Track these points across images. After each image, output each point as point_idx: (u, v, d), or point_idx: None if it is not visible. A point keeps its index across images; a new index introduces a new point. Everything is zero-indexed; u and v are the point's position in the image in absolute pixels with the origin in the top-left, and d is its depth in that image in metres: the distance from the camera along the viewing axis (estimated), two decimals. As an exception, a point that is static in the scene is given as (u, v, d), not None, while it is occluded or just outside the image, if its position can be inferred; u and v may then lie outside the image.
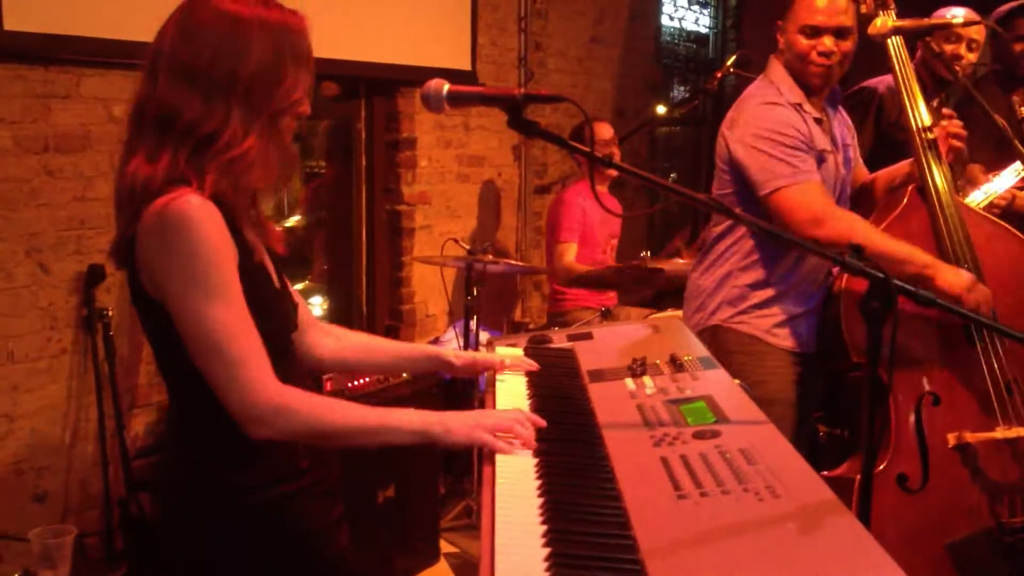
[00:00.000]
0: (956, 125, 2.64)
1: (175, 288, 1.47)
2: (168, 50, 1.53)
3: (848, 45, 2.57)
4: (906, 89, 2.67)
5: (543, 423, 1.60)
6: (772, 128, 2.53)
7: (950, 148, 2.63)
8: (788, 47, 2.62)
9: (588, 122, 1.64)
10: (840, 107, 2.79)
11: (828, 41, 2.54)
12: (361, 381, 3.41)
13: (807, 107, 2.59)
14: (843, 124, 2.78)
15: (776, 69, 2.65)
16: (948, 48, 3.25)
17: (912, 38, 2.84)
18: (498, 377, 1.93)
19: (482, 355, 1.97)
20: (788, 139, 2.51)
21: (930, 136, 2.60)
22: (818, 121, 2.61)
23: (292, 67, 1.55)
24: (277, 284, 1.69)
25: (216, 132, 1.50)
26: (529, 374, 1.96)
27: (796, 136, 2.52)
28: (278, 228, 1.73)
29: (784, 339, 2.63)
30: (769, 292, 2.63)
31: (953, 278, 2.41)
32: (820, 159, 2.57)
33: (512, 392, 1.86)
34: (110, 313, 3.25)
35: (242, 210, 1.57)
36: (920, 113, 2.64)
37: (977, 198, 3.13)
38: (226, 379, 1.46)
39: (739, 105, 2.68)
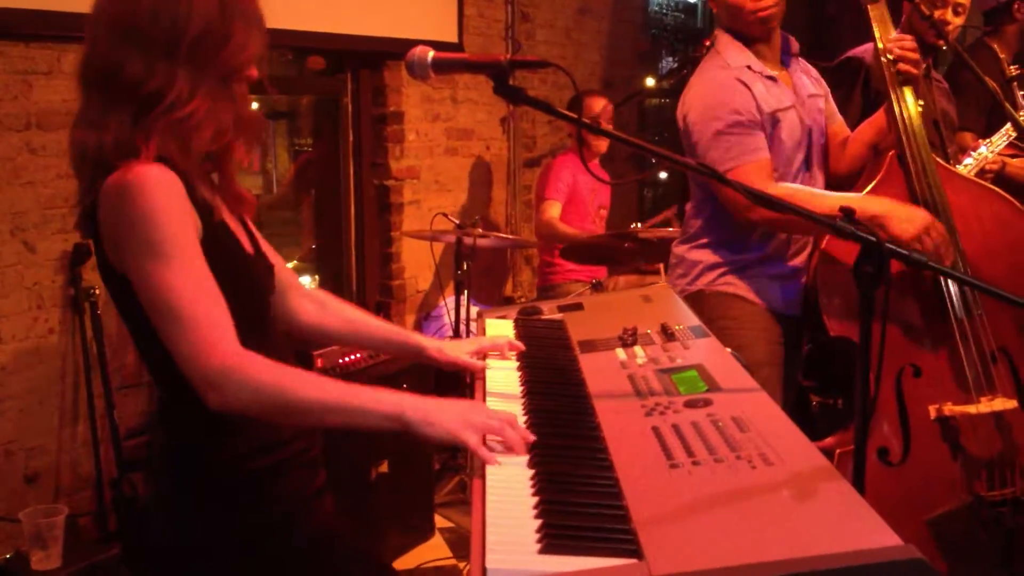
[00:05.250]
0: (907, 44, 2.54)
1: (131, 255, 1.43)
2: (108, 7, 1.50)
3: None
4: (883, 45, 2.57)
5: (532, 438, 1.43)
6: (707, 109, 2.51)
7: (900, 69, 2.53)
8: (721, 6, 2.60)
9: (576, 87, 1.62)
10: (799, 57, 2.74)
11: None
12: (353, 357, 3.36)
13: (757, 66, 2.55)
14: (806, 74, 2.75)
15: (721, 37, 2.62)
16: (935, 13, 3.19)
17: (899, 1, 2.79)
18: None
19: (467, 359, 1.85)
20: (721, 121, 2.48)
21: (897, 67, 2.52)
22: (771, 79, 2.57)
23: (241, 26, 1.52)
24: (249, 247, 1.64)
25: (160, 92, 1.46)
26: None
27: (732, 117, 2.48)
28: (250, 194, 1.70)
29: (768, 299, 2.61)
30: (748, 256, 2.61)
31: (907, 223, 2.32)
32: (774, 121, 2.53)
33: (502, 363, 1.85)
34: (97, 292, 3.22)
35: (195, 173, 1.53)
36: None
37: (968, 164, 3.11)
38: (178, 343, 1.40)
39: (688, 83, 2.66)
